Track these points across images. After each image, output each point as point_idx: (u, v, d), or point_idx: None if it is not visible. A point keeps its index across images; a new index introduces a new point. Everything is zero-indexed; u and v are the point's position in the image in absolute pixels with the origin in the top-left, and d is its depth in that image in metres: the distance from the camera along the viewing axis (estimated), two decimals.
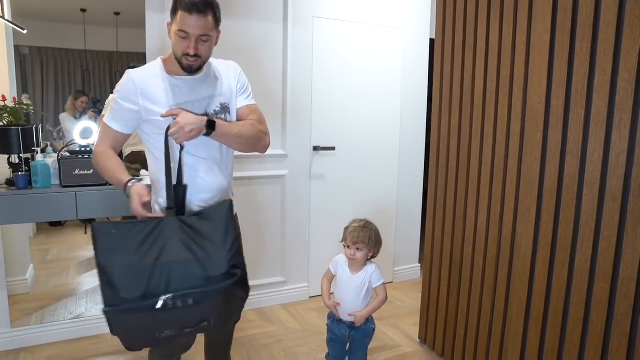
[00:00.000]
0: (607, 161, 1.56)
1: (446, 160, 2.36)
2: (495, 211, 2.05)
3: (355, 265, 1.97)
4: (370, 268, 1.98)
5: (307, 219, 3.13)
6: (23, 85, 3.03)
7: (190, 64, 1.53)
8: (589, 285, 1.65)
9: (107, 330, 2.60)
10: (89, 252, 3.40)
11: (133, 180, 1.53)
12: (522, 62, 1.86)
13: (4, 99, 2.24)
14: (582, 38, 1.60)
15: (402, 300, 3.25)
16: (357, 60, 3.15)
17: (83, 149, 2.41)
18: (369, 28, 3.16)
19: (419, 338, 2.67)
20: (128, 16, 3.28)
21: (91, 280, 3.14)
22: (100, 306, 2.72)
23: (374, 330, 2.05)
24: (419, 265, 3.68)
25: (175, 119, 1.51)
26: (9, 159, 2.29)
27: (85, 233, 3.51)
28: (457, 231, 2.30)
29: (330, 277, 2.06)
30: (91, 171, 2.26)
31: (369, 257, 1.97)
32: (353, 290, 1.97)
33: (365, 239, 1.93)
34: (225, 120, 1.66)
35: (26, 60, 3.29)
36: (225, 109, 1.69)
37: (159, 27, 2.57)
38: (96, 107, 3.14)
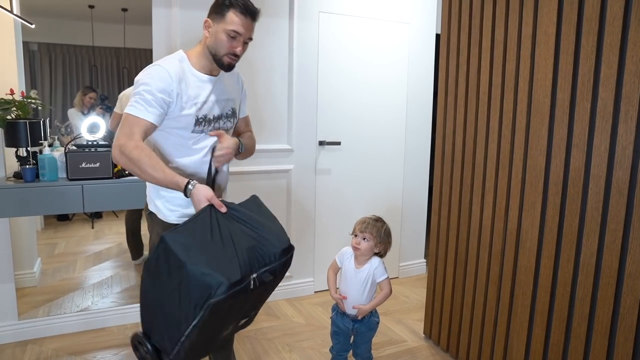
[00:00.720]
0: (613, 154, 1.55)
1: (451, 155, 2.35)
2: (501, 206, 2.04)
3: (360, 258, 1.97)
4: (375, 262, 1.98)
5: (313, 213, 3.13)
6: (32, 81, 3.05)
7: (231, 62, 1.59)
8: (594, 279, 1.64)
9: (113, 322, 2.65)
10: (95, 246, 3.43)
11: (193, 182, 1.47)
12: (527, 56, 1.85)
13: (12, 92, 2.26)
14: (588, 31, 1.59)
15: (408, 295, 3.24)
16: (362, 55, 3.15)
17: (90, 142, 2.43)
18: (374, 23, 3.15)
19: (424, 333, 2.67)
20: (135, 12, 3.29)
21: (98, 274, 3.16)
22: (107, 299, 2.75)
23: (377, 323, 2.05)
24: (425, 260, 3.68)
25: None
26: (16, 152, 2.31)
27: (92, 227, 3.53)
28: (462, 226, 2.29)
29: (336, 269, 2.06)
30: (97, 164, 2.28)
31: (375, 252, 1.97)
32: (357, 284, 1.97)
33: (374, 231, 1.93)
34: (232, 124, 1.76)
35: (35, 57, 3.31)
36: (234, 113, 1.75)
37: (166, 23, 2.59)
38: (104, 104, 3.15)
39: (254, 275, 1.39)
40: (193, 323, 1.30)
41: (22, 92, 2.44)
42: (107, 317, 2.69)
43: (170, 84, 1.51)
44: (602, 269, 1.60)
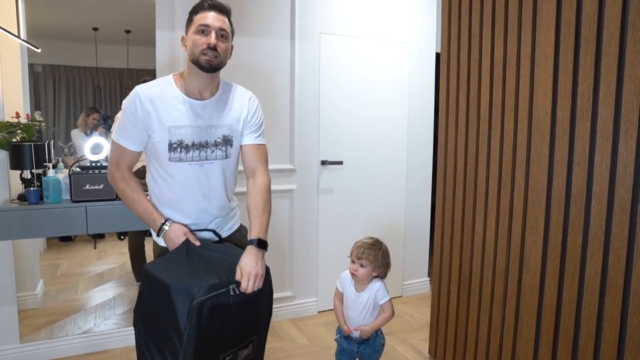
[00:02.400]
0: (614, 172, 1.55)
1: (454, 174, 2.36)
2: (504, 224, 2.04)
3: (360, 283, 1.95)
4: (376, 285, 1.95)
5: (316, 233, 3.13)
6: (36, 102, 3.08)
7: (209, 59, 1.50)
8: (600, 298, 1.63)
9: (115, 345, 2.63)
10: (98, 267, 3.42)
11: (168, 223, 1.56)
12: (527, 76, 1.87)
13: (18, 115, 2.28)
14: (585, 51, 1.61)
15: (412, 314, 3.22)
16: (363, 74, 3.18)
17: (94, 164, 2.44)
18: (375, 43, 3.20)
19: (428, 353, 2.64)
20: (138, 34, 3.34)
21: (100, 295, 3.15)
22: (110, 321, 2.74)
23: (383, 345, 2.03)
24: (428, 279, 3.66)
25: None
26: (21, 174, 2.33)
27: (95, 248, 3.53)
28: (465, 244, 2.29)
29: (340, 296, 2.04)
30: (101, 186, 2.29)
31: (375, 276, 1.94)
32: (359, 308, 1.96)
33: (370, 257, 1.90)
34: (225, 154, 1.62)
35: (39, 78, 3.35)
36: (227, 141, 1.62)
37: (169, 44, 2.63)
38: (106, 123, 3.18)
39: (233, 286, 1.42)
40: (185, 338, 1.34)
41: (28, 115, 2.46)
42: (109, 339, 2.67)
43: (138, 105, 1.50)
44: (608, 288, 1.60)
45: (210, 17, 1.52)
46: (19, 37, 2.42)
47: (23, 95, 2.63)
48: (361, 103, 3.19)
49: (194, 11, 1.56)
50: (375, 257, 1.90)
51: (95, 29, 3.29)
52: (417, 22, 3.35)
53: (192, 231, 1.59)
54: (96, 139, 2.46)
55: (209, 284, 1.37)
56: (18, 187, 2.38)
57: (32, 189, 2.24)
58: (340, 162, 3.14)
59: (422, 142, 3.47)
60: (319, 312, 3.19)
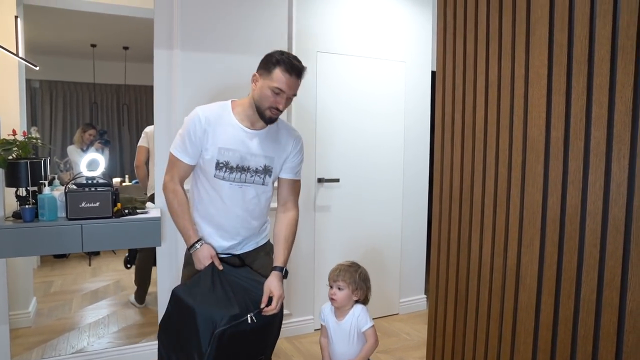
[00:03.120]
0: (608, 192, 1.57)
1: (449, 191, 2.37)
2: (500, 242, 2.04)
3: (340, 309, 1.86)
4: (357, 310, 1.86)
5: (312, 250, 3.13)
6: (32, 117, 3.10)
7: (273, 116, 1.68)
8: (596, 316, 1.63)
9: None
10: (92, 284, 3.40)
11: (200, 242, 1.76)
12: (521, 95, 1.90)
13: (14, 133, 2.29)
14: (578, 72, 1.64)
15: (409, 332, 3.20)
16: (360, 93, 3.21)
17: (90, 181, 2.44)
18: (371, 62, 3.24)
19: None
20: (136, 50, 3.37)
21: (94, 313, 3.12)
22: (103, 340, 2.73)
23: None
24: (425, 296, 3.65)
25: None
26: (16, 191, 2.32)
27: (89, 265, 3.51)
28: (461, 262, 2.29)
29: (325, 331, 1.94)
30: (97, 204, 2.29)
31: (355, 300, 1.86)
32: (343, 338, 1.86)
33: (346, 277, 1.83)
34: (263, 181, 1.81)
35: (36, 94, 3.36)
36: (267, 170, 1.81)
37: (167, 62, 2.65)
38: (102, 138, 3.19)
39: (251, 314, 1.65)
40: (206, 357, 1.55)
41: (24, 132, 2.47)
42: (103, 358, 2.64)
43: (198, 125, 1.69)
44: (603, 306, 1.60)
45: (290, 85, 1.64)
46: (17, 55, 2.44)
47: (20, 111, 2.64)
48: (358, 121, 3.22)
49: (277, 62, 1.63)
50: (352, 279, 1.83)
51: (93, 45, 3.32)
52: (413, 41, 3.40)
53: (218, 254, 1.79)
54: (92, 155, 2.47)
55: (230, 314, 1.59)
56: (13, 205, 2.37)
57: (27, 206, 2.23)
58: (337, 180, 3.16)
59: (418, 160, 3.49)
60: (315, 330, 3.17)
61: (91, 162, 2.46)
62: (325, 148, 3.12)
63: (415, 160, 3.47)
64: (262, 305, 1.70)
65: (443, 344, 2.45)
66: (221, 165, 1.72)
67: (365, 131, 3.25)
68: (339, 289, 1.82)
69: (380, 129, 3.31)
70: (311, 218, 3.10)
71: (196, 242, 1.75)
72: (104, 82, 3.48)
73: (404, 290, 3.52)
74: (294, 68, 1.63)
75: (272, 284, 1.74)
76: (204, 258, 1.74)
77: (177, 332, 1.66)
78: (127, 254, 3.33)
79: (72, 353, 2.60)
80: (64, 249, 2.28)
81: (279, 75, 1.63)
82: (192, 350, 1.57)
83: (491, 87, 2.06)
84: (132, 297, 3.21)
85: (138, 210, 2.47)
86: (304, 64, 1.70)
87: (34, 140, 2.41)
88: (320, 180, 3.10)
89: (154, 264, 2.72)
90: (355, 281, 1.82)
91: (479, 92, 2.13)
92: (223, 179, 1.74)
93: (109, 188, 2.37)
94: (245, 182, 1.77)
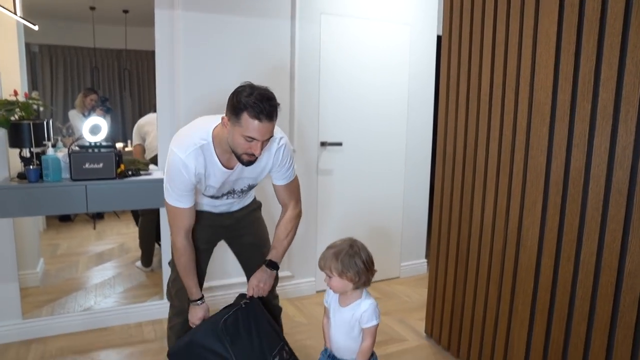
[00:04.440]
0: (613, 155, 1.56)
1: (453, 155, 2.37)
2: (502, 205, 2.05)
3: (343, 295, 1.65)
4: (365, 304, 1.62)
5: (315, 213, 3.15)
6: (33, 82, 3.06)
7: (251, 160, 1.59)
8: (594, 278, 1.66)
9: (115, 322, 2.67)
10: (97, 247, 3.44)
11: (201, 300, 1.82)
12: (528, 57, 1.86)
13: (16, 93, 2.27)
14: (588, 32, 1.61)
15: (409, 295, 3.26)
16: (364, 56, 3.16)
17: (93, 143, 2.44)
18: (375, 24, 3.17)
19: (425, 332, 2.68)
20: (136, 14, 3.30)
21: (100, 274, 3.18)
22: (109, 299, 2.79)
23: None
24: (426, 260, 3.69)
25: None
26: (20, 152, 2.33)
27: (94, 228, 3.55)
28: (463, 225, 2.31)
29: (327, 313, 1.77)
30: (101, 165, 2.29)
31: (356, 287, 1.61)
32: (341, 326, 1.66)
33: (332, 265, 1.58)
34: (248, 191, 1.87)
35: (36, 58, 3.32)
36: (251, 187, 1.84)
37: (168, 24, 2.60)
38: (104, 105, 3.17)
39: (243, 302, 1.81)
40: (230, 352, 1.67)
41: (26, 94, 2.45)
42: (110, 316, 2.70)
43: (189, 179, 1.64)
44: (602, 268, 1.62)
45: (261, 131, 1.50)
46: (15, 13, 2.39)
47: (20, 75, 2.61)
48: (361, 84, 3.18)
49: (244, 107, 1.47)
50: (340, 263, 1.57)
51: (92, 8, 3.25)
52: (418, 4, 3.32)
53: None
54: (94, 119, 2.45)
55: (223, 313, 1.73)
56: (17, 166, 2.38)
57: (31, 167, 2.24)
58: (340, 144, 3.15)
59: (422, 124, 3.47)
60: (317, 291, 3.23)
61: (94, 127, 2.45)
62: (328, 111, 3.09)
63: (418, 124, 3.44)
64: (248, 295, 1.83)
65: (443, 305, 2.50)
66: (207, 194, 1.79)
67: (369, 95, 3.22)
68: (329, 276, 1.62)
69: (384, 92, 3.27)
70: (313, 181, 3.11)
71: (198, 299, 1.82)
72: (105, 46, 3.42)
73: (405, 254, 3.57)
74: (263, 112, 1.46)
75: (254, 275, 1.84)
76: (195, 317, 1.82)
77: None
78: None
79: (81, 311, 2.66)
80: (69, 209, 2.30)
81: (248, 122, 1.47)
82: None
83: (498, 48, 2.02)
84: (138, 263, 3.26)
85: (141, 172, 2.47)
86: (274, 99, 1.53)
87: (36, 101, 2.40)
88: (323, 144, 3.09)
89: (157, 226, 2.75)
90: (345, 265, 1.56)
91: (485, 54, 2.10)
92: (212, 197, 1.81)
93: (112, 149, 2.37)
94: (232, 197, 1.85)
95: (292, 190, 1.87)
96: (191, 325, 1.84)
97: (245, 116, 1.47)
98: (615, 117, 1.55)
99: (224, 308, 1.81)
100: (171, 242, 1.77)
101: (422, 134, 3.48)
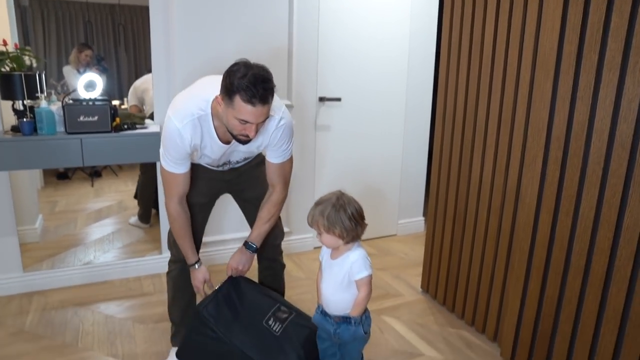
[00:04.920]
0: (618, 107, 1.53)
1: (453, 110, 2.33)
2: (501, 162, 2.04)
3: (335, 250, 1.62)
4: (354, 255, 1.56)
5: (312, 170, 3.14)
6: (25, 39, 2.97)
7: (246, 140, 1.54)
8: (592, 233, 1.66)
9: (115, 276, 2.70)
10: (95, 204, 3.44)
11: (198, 263, 1.83)
12: (535, 8, 1.80)
13: (5, 43, 2.20)
14: None
15: (406, 252, 3.29)
16: (364, 10, 3.06)
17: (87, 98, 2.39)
18: None
19: (421, 287, 2.72)
20: None
21: (99, 230, 3.19)
22: (109, 254, 2.81)
23: (366, 334, 1.65)
24: (423, 218, 3.71)
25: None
26: (13, 105, 2.28)
27: (92, 186, 3.53)
28: (462, 182, 2.30)
29: (321, 268, 1.74)
30: (96, 118, 2.25)
31: (347, 241, 1.56)
32: (332, 279, 1.61)
33: (320, 221, 1.53)
34: (245, 161, 1.85)
35: (26, 13, 3.21)
36: (246, 159, 1.84)
37: None
38: (100, 65, 3.09)
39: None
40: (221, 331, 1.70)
41: (16, 44, 2.38)
42: (109, 270, 2.73)
43: (184, 148, 1.61)
44: (601, 223, 1.62)
45: (255, 114, 1.43)
46: None
47: (10, 30, 2.52)
48: (361, 39, 3.10)
49: (237, 89, 1.40)
50: (321, 222, 1.53)
51: None
52: None
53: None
54: (89, 75, 2.39)
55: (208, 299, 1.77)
56: (11, 119, 2.34)
57: (25, 120, 2.20)
58: (339, 99, 3.09)
59: (422, 79, 3.40)
60: (314, 247, 3.26)
61: (89, 84, 2.40)
62: (327, 66, 3.02)
63: (418, 80, 3.37)
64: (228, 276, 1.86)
65: (439, 261, 2.53)
66: (202, 162, 1.80)
67: (369, 50, 3.14)
68: (318, 233, 1.58)
69: (384, 47, 3.19)
70: (311, 137, 3.08)
71: (194, 263, 1.82)
72: (98, 1, 3.31)
73: (403, 211, 3.58)
74: (256, 96, 1.39)
75: (233, 257, 1.85)
76: (194, 279, 1.84)
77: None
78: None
79: (80, 265, 2.69)
80: (65, 163, 2.27)
81: (241, 106, 1.41)
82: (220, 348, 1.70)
83: (503, 0, 1.95)
84: (132, 220, 3.27)
85: (137, 126, 2.44)
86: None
87: (27, 52, 2.33)
88: (321, 99, 3.04)
89: (156, 182, 2.74)
90: (332, 221, 1.50)
91: (490, 7, 2.03)
92: (207, 164, 1.81)
93: (106, 102, 2.32)
94: (228, 166, 1.85)
95: (284, 171, 1.79)
96: (195, 290, 1.88)
97: (238, 99, 1.41)
98: (622, 69, 1.50)
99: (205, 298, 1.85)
100: (165, 206, 1.74)
101: (422, 89, 3.41)
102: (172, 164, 1.64)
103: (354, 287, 1.58)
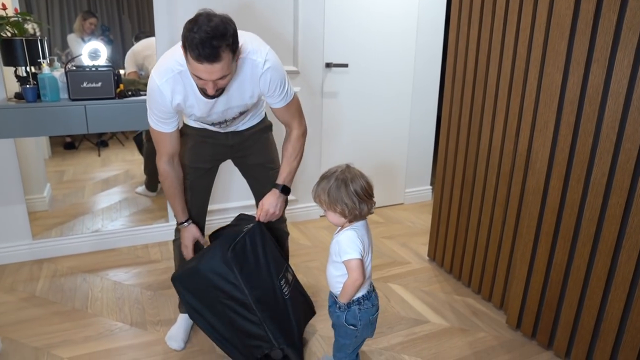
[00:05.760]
0: (636, 69, 1.47)
1: (463, 74, 2.27)
2: (512, 126, 1.99)
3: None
4: (342, 235, 1.46)
5: (319, 137, 3.10)
6: (27, 6, 2.91)
7: (212, 95, 1.49)
8: (603, 199, 1.63)
9: (123, 243, 2.72)
10: (102, 173, 3.45)
11: (187, 222, 1.81)
12: None
13: (4, 7, 2.15)
14: None
15: (413, 220, 3.28)
16: None
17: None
18: None
19: (428, 255, 2.72)
20: None
21: (106, 199, 3.20)
22: (117, 222, 2.82)
23: (352, 327, 1.53)
24: (431, 187, 3.69)
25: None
26: (15, 71, 2.25)
27: (99, 156, 3.53)
28: (471, 147, 2.26)
29: None
30: (99, 84, 2.22)
31: (351, 220, 1.46)
32: (329, 259, 1.55)
33: (322, 197, 1.44)
34: (242, 115, 1.75)
35: None
36: (242, 113, 1.73)
37: None
38: (105, 35, 3.04)
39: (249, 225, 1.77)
40: (240, 280, 1.63)
41: (16, 9, 2.33)
42: (117, 238, 2.75)
43: (166, 104, 1.56)
44: (613, 189, 1.58)
45: (206, 72, 1.36)
46: None
47: None
48: (368, 4, 3.00)
49: (188, 46, 1.33)
50: (330, 198, 1.42)
51: None
52: None
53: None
54: (94, 43, 2.35)
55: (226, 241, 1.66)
56: (14, 86, 2.31)
57: (28, 86, 2.17)
58: (346, 65, 3.02)
59: (431, 44, 3.30)
60: (320, 216, 3.26)
61: (94, 52, 2.36)
62: (334, 31, 2.94)
63: (427, 44, 3.28)
64: (257, 219, 1.78)
65: (447, 228, 2.51)
66: (193, 120, 1.76)
67: (376, 14, 3.04)
68: (325, 211, 1.49)
69: (392, 12, 3.09)
70: (318, 104, 3.03)
71: (185, 221, 1.80)
72: None
73: (410, 180, 3.55)
74: (202, 55, 1.31)
75: (266, 199, 1.78)
76: (184, 238, 1.81)
77: (212, 298, 1.69)
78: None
79: (89, 233, 2.71)
80: (69, 129, 2.25)
81: (192, 62, 1.35)
82: (231, 292, 1.64)
83: None
84: (139, 189, 3.27)
85: (141, 92, 2.40)
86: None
87: (28, 17, 2.28)
88: (328, 65, 2.97)
89: None
90: (332, 197, 1.41)
91: None
92: (202, 124, 1.78)
93: (110, 68, 2.28)
94: (226, 125, 1.77)
95: (293, 110, 1.75)
96: (183, 248, 1.84)
97: (189, 55, 1.35)
98: None
99: (228, 231, 1.78)
100: (158, 168, 1.72)
101: (431, 54, 3.32)
102: (157, 122, 1.61)
103: (340, 266, 1.48)
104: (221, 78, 1.41)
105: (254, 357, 1.71)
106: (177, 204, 1.77)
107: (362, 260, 1.44)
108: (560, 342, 1.85)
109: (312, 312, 1.98)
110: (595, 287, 1.68)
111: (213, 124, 1.75)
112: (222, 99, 1.59)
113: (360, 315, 1.53)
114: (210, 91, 1.43)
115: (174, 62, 1.51)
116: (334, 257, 1.50)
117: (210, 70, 1.35)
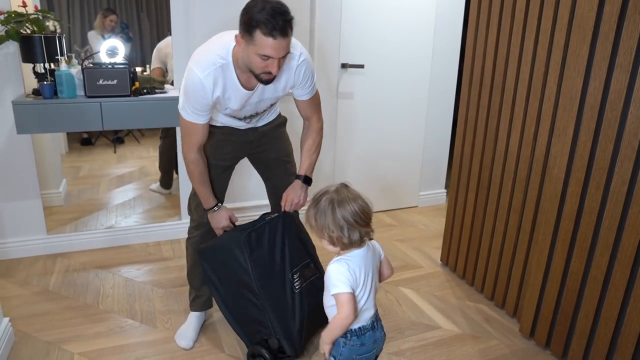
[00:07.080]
0: None
1: (480, 77, 2.23)
2: (529, 131, 1.95)
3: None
4: (330, 267, 1.26)
5: (333, 139, 3.08)
6: (48, 4, 2.95)
7: (270, 78, 1.53)
8: (623, 208, 1.58)
9: (136, 240, 2.74)
10: (118, 169, 3.48)
11: (218, 205, 1.82)
12: None
13: (25, 4, 2.18)
14: None
15: (426, 224, 3.24)
16: None
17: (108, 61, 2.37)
18: None
19: (440, 260, 2.68)
20: None
21: (121, 195, 3.23)
22: (130, 219, 2.84)
23: (332, 359, 1.33)
24: (445, 191, 3.64)
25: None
26: (34, 68, 2.28)
27: (115, 152, 3.57)
28: (487, 152, 2.22)
29: None
30: (115, 82, 2.23)
31: (343, 248, 1.26)
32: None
33: (310, 221, 1.27)
34: (271, 108, 1.83)
35: None
36: (272, 105, 1.81)
37: None
38: (124, 33, 3.07)
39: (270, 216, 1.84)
40: (250, 267, 1.70)
41: (36, 6, 2.36)
42: (130, 235, 2.77)
43: (207, 96, 1.58)
44: (634, 197, 1.53)
45: (275, 48, 1.41)
46: None
47: None
48: (386, 4, 2.98)
49: (257, 24, 1.38)
50: (316, 222, 1.25)
51: None
52: None
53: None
54: (112, 41, 2.37)
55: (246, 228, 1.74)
56: (32, 82, 2.34)
57: (45, 83, 2.20)
58: (362, 66, 3.00)
59: (448, 46, 3.26)
60: None
61: (112, 49, 2.38)
62: (350, 31, 2.92)
63: (444, 47, 3.23)
64: (282, 210, 1.84)
65: (460, 233, 2.47)
66: (231, 115, 1.76)
67: (394, 14, 3.01)
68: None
69: (409, 13, 3.05)
70: (333, 105, 3.01)
71: (214, 205, 1.80)
72: None
73: (425, 183, 3.51)
74: (276, 28, 1.37)
75: (290, 190, 1.85)
76: (218, 222, 1.81)
77: (226, 274, 1.76)
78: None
79: (103, 229, 2.73)
80: (85, 126, 2.27)
81: (262, 40, 1.40)
82: (241, 275, 1.71)
83: None
84: (153, 186, 3.29)
85: (157, 91, 2.41)
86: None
87: (47, 14, 2.31)
88: (344, 66, 2.95)
89: (176, 147, 2.73)
90: (314, 227, 1.26)
91: None
92: (232, 117, 1.79)
93: (126, 65, 2.29)
94: (255, 120, 1.82)
95: (316, 103, 1.84)
96: (217, 232, 1.86)
97: (258, 34, 1.40)
98: None
99: (257, 220, 1.84)
100: (183, 157, 1.74)
101: (448, 57, 3.28)
102: (192, 114, 1.63)
103: (329, 297, 1.28)
104: (283, 57, 1.47)
105: (254, 340, 1.77)
106: (207, 191, 1.79)
107: (352, 294, 1.23)
108: (575, 353, 1.80)
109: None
110: (613, 298, 1.63)
111: (244, 118, 1.78)
112: (258, 90, 1.65)
113: (343, 349, 1.31)
114: (275, 69, 1.47)
115: (215, 56, 1.56)
116: (327, 291, 1.29)
117: (279, 46, 1.41)
